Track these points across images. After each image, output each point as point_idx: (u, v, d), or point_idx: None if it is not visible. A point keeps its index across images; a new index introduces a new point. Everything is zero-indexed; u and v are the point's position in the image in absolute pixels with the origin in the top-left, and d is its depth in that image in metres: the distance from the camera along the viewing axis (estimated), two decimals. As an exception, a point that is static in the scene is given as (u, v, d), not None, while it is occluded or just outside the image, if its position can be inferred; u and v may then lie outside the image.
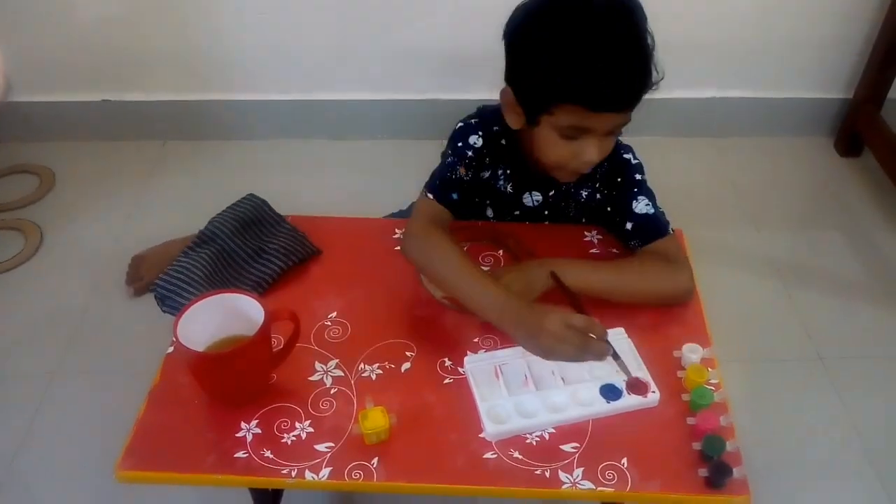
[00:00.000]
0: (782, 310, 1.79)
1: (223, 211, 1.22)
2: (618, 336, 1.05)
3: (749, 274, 1.89)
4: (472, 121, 1.21)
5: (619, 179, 1.20)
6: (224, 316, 0.97)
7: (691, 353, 1.03)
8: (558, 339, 0.94)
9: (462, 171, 1.17)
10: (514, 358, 1.03)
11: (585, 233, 1.25)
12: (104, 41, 2.10)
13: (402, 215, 1.45)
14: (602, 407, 0.97)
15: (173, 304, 1.09)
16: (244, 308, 0.97)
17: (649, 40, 1.03)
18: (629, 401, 0.98)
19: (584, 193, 1.24)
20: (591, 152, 1.08)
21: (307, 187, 1.98)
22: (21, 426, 1.51)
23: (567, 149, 1.09)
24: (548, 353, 0.96)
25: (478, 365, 1.03)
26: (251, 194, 1.25)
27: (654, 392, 0.99)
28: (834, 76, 2.19)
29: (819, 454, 1.49)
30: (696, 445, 0.93)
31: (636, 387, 0.99)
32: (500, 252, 1.21)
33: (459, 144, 1.19)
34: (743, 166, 2.23)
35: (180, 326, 0.92)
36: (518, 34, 1.07)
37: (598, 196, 1.23)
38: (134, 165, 2.19)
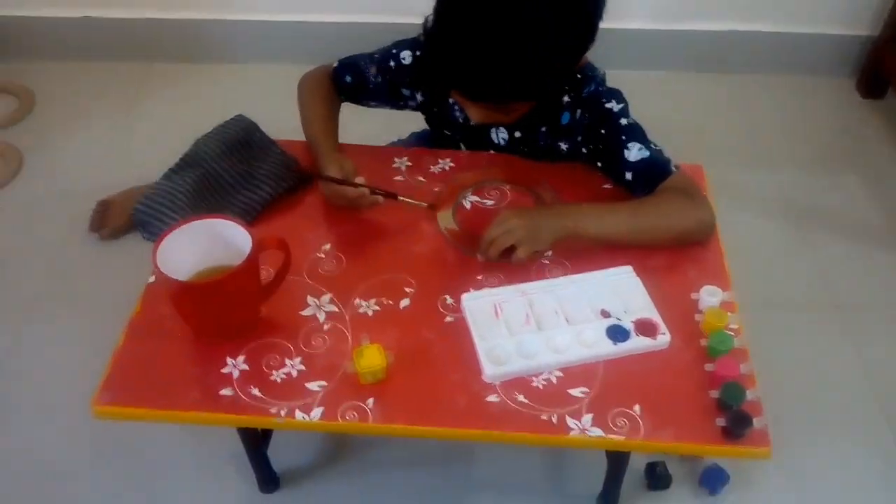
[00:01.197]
0: (798, 255, 1.72)
1: (210, 132, 1.14)
2: (625, 274, 0.99)
3: (764, 217, 1.81)
4: (420, 37, 1.13)
5: (602, 131, 1.09)
6: (209, 243, 0.90)
7: (710, 295, 0.96)
8: (332, 193, 1.05)
9: (374, 70, 1.18)
10: (515, 296, 0.96)
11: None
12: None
13: (402, 144, 1.37)
14: (608, 348, 0.91)
15: (154, 229, 1.02)
16: (230, 235, 0.89)
17: (572, 29, 0.95)
18: (637, 342, 0.92)
19: (564, 147, 1.15)
20: (472, 114, 1.09)
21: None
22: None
23: (459, 98, 1.08)
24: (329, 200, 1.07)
25: (476, 303, 0.96)
26: (240, 115, 1.17)
27: (663, 334, 0.92)
28: (858, 12, 2.05)
29: (831, 406, 1.44)
30: (714, 393, 0.87)
31: (645, 328, 0.93)
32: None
33: (392, 51, 1.17)
34: (760, 105, 2.12)
35: (160, 253, 0.85)
36: None
37: (583, 150, 1.13)
38: (118, 87, 2.07)
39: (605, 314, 0.95)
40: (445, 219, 1.07)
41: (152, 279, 0.98)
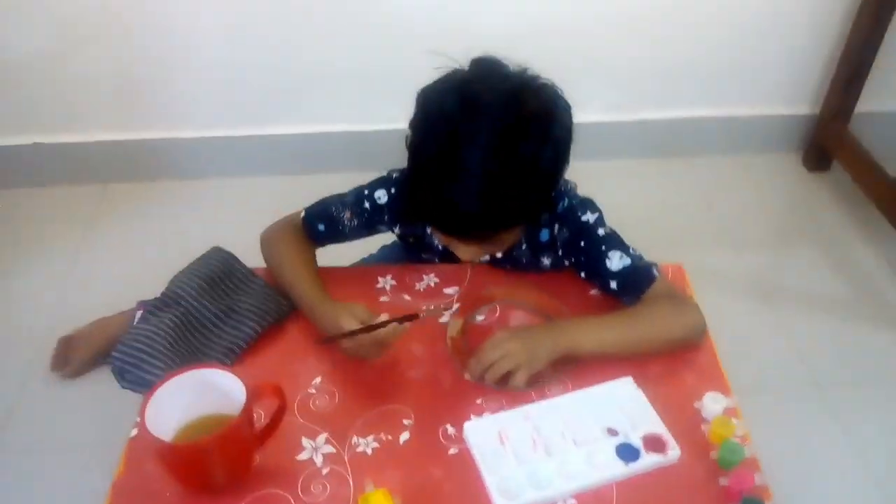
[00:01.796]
0: (773, 335, 1.75)
1: (186, 268, 1.10)
2: (626, 386, 0.97)
3: (733, 299, 1.84)
4: (394, 174, 1.14)
5: (582, 244, 1.09)
6: (196, 393, 0.85)
7: (714, 402, 0.95)
8: (355, 342, 0.97)
9: (348, 215, 1.14)
10: (519, 420, 0.93)
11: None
12: (33, 77, 1.93)
13: (373, 260, 1.35)
14: (620, 470, 0.89)
15: (134, 378, 0.96)
16: (220, 383, 0.85)
17: (543, 159, 0.94)
18: (648, 460, 0.90)
19: (547, 261, 1.15)
20: (461, 253, 1.06)
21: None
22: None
23: (446, 239, 1.05)
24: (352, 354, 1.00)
25: (480, 432, 0.92)
26: (216, 248, 1.13)
27: (673, 449, 0.90)
28: (800, 92, 2.17)
29: (827, 486, 1.43)
30: (733, 510, 0.85)
31: (653, 444, 0.91)
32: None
33: (365, 192, 1.14)
34: (716, 185, 2.19)
35: (148, 413, 0.80)
36: (412, 120, 0.99)
37: (565, 263, 1.13)
38: (73, 211, 2.01)
39: (612, 432, 0.92)
40: (454, 327, 1.05)
41: (134, 433, 0.92)
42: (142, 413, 0.79)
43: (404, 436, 0.93)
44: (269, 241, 1.14)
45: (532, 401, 0.96)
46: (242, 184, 2.09)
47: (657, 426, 0.93)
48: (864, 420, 1.55)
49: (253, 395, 0.83)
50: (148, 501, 0.86)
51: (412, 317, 1.00)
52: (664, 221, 2.03)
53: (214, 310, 1.05)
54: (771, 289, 1.87)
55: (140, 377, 0.95)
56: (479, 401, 0.97)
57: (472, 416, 0.95)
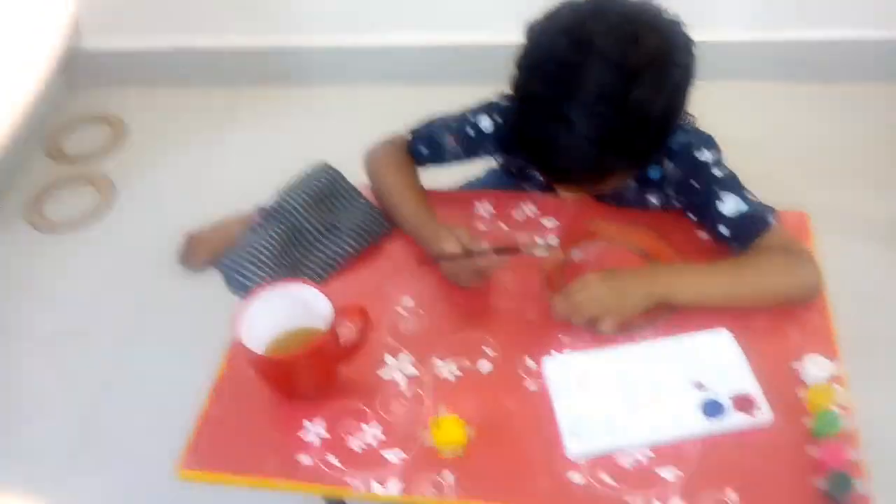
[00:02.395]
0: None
1: (295, 182, 1.13)
2: (722, 339, 0.92)
3: (863, 245, 1.68)
4: (501, 102, 1.09)
5: (695, 184, 1.02)
6: (290, 307, 0.90)
7: (816, 367, 0.89)
8: (455, 267, 0.97)
9: (451, 141, 1.11)
10: (602, 362, 0.92)
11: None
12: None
13: (479, 185, 1.33)
14: (703, 426, 0.86)
15: (238, 285, 1.03)
16: (310, 299, 0.89)
17: (656, 107, 0.88)
18: (735, 420, 0.86)
19: (655, 201, 1.09)
20: (563, 193, 1.06)
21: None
22: (92, 393, 1.51)
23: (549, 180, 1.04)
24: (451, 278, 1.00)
25: (559, 369, 0.92)
26: (325, 165, 1.15)
27: (764, 411, 0.86)
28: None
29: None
30: (818, 482, 0.80)
31: (743, 403, 0.87)
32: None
33: (470, 118, 1.11)
34: (862, 116, 1.98)
35: (242, 324, 0.85)
36: (518, 57, 0.93)
37: (675, 203, 1.06)
38: (208, 115, 2.13)
39: (700, 386, 0.89)
40: (551, 262, 1.03)
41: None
42: (235, 325, 0.85)
43: (484, 365, 0.94)
44: (373, 162, 1.15)
45: (619, 344, 0.94)
46: (369, 92, 2.12)
47: (750, 385, 0.88)
48: None
49: (339, 315, 0.86)
50: (242, 402, 0.92)
51: (513, 250, 0.99)
52: (794, 153, 1.87)
53: (318, 225, 1.09)
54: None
55: (244, 284, 1.01)
56: (563, 338, 0.96)
57: (553, 353, 0.94)
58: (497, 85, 1.10)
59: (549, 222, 1.11)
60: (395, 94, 2.08)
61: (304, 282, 0.90)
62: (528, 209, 1.13)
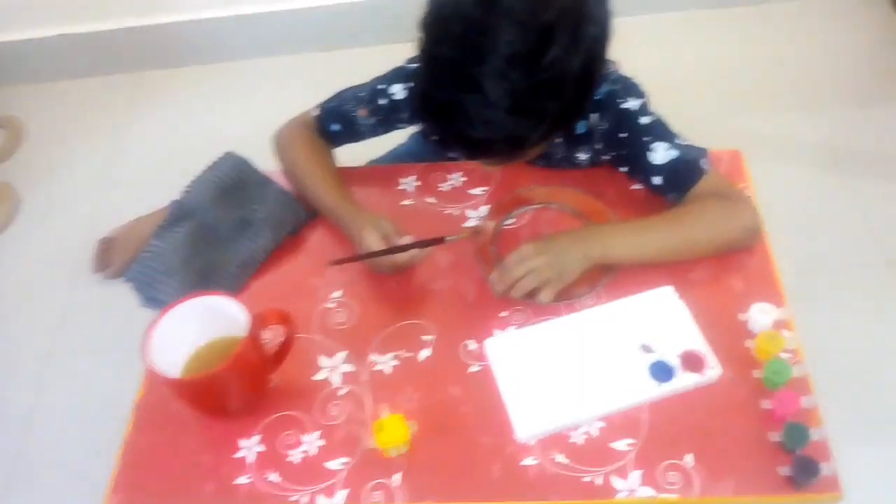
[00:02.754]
0: (844, 208, 1.60)
1: (199, 176, 1.05)
2: (666, 297, 0.89)
3: (802, 167, 1.68)
4: (413, 65, 1.00)
5: (623, 135, 0.97)
6: (205, 317, 0.83)
7: (762, 314, 0.86)
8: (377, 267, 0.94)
9: (363, 113, 1.04)
10: (544, 335, 0.88)
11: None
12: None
13: (402, 153, 1.26)
14: (653, 391, 0.82)
15: (150, 297, 0.95)
16: (226, 309, 0.82)
17: (572, 67, 0.81)
18: (684, 380, 0.83)
19: (584, 157, 1.04)
20: (486, 165, 1.02)
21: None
22: (15, 420, 1.43)
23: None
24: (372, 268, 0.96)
25: (501, 348, 0.87)
26: (229, 152, 1.07)
27: (712, 368, 0.83)
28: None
29: (893, 374, 1.34)
30: (774, 436, 0.78)
31: (691, 362, 0.84)
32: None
33: (379, 87, 1.03)
34: (789, 35, 1.96)
35: (152, 345, 0.78)
36: (423, 16, 0.85)
37: (604, 157, 1.02)
38: (109, 103, 1.98)
39: (647, 349, 0.86)
40: (483, 233, 0.98)
41: (155, 352, 0.91)
42: (145, 350, 0.77)
43: (424, 353, 0.89)
44: (282, 145, 1.07)
45: (561, 314, 0.90)
46: (276, 63, 2.00)
47: (697, 342, 0.85)
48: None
49: (258, 323, 0.80)
50: (168, 424, 0.86)
51: (437, 241, 0.94)
52: (725, 78, 1.85)
53: (229, 222, 1.01)
54: (846, 156, 1.69)
55: (155, 297, 0.94)
56: (503, 314, 0.91)
57: (495, 331, 0.90)
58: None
59: (477, 191, 1.05)
60: (308, 61, 1.97)
61: (216, 294, 0.82)
62: (455, 179, 1.07)
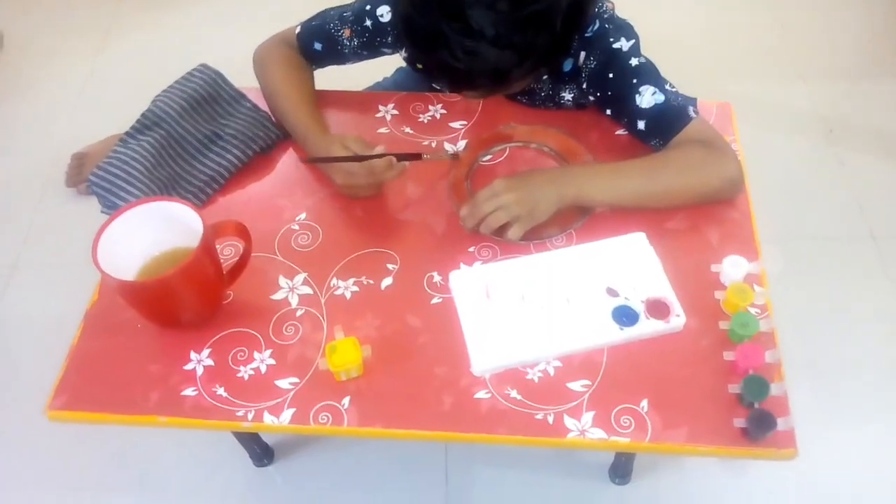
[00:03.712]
0: (831, 179, 1.58)
1: (169, 87, 1.01)
2: (637, 244, 0.87)
3: (793, 135, 1.65)
4: None
5: (610, 75, 0.93)
6: (164, 225, 0.80)
7: (734, 267, 0.84)
8: (348, 176, 0.91)
9: (347, 33, 0.99)
10: (510, 272, 0.85)
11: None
12: None
13: (387, 85, 1.23)
14: (614, 334, 0.81)
15: (111, 204, 0.92)
16: (184, 217, 0.79)
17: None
18: (647, 326, 0.81)
19: (569, 96, 1.00)
20: (469, 97, 0.99)
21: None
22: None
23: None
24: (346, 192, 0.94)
25: (465, 282, 0.85)
26: (203, 65, 1.03)
27: (678, 316, 0.81)
28: None
29: (865, 347, 1.33)
30: (734, 388, 0.77)
31: (656, 309, 0.82)
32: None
33: (367, 7, 0.99)
34: (793, 5, 1.91)
35: (101, 247, 0.75)
36: None
37: (590, 98, 0.98)
38: (90, 21, 1.92)
39: (612, 293, 0.84)
40: (458, 168, 0.95)
41: (111, 260, 0.89)
42: (94, 248, 0.74)
43: (386, 281, 0.87)
44: (261, 62, 1.02)
45: (530, 253, 0.88)
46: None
47: (664, 290, 0.83)
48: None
49: (213, 232, 0.77)
50: (119, 333, 0.84)
51: (413, 156, 0.91)
52: (718, 43, 1.81)
53: (198, 134, 0.97)
54: (837, 125, 1.66)
55: (115, 203, 0.91)
56: (471, 249, 0.89)
57: (461, 265, 0.87)
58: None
59: (457, 124, 1.02)
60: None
61: (172, 199, 0.79)
62: (434, 110, 1.03)
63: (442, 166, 0.95)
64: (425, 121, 1.02)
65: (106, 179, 0.92)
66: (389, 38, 0.99)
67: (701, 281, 0.85)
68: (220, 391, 0.79)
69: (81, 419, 0.80)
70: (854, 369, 1.30)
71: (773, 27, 1.88)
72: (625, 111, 0.94)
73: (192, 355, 0.82)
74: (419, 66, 0.97)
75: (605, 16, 0.95)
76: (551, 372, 0.79)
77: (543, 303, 0.83)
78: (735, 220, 0.91)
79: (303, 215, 0.93)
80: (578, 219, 0.89)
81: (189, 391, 0.79)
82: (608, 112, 0.97)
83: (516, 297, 0.83)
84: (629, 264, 0.85)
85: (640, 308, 0.82)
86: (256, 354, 0.82)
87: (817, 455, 1.16)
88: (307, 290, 0.86)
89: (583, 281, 0.84)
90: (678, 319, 0.81)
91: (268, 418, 0.77)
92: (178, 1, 1.96)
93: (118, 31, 1.91)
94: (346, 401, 0.78)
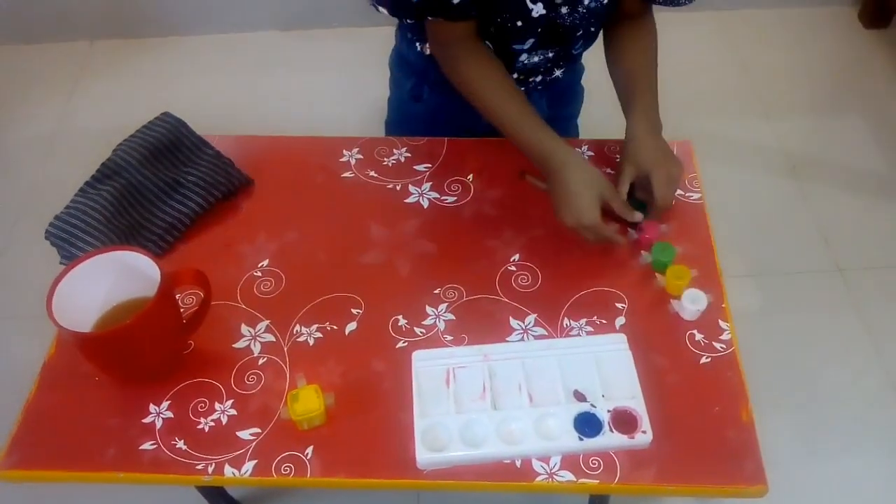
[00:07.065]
0: (797, 213, 1.60)
1: (131, 136, 1.00)
2: (615, 345, 0.82)
3: (759, 171, 1.68)
4: None
5: None
6: (121, 275, 0.79)
7: (692, 302, 0.84)
8: (576, 228, 0.88)
9: None
10: (475, 360, 0.81)
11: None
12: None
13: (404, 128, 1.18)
14: (572, 444, 0.75)
15: (69, 254, 0.90)
16: (140, 267, 0.77)
17: None
18: (610, 440, 0.75)
19: None
20: None
21: (255, 88, 1.70)
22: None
23: None
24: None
25: (428, 365, 0.81)
26: (165, 113, 1.03)
27: (644, 432, 0.75)
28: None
29: (836, 381, 1.34)
30: (646, 258, 0.89)
31: (622, 421, 0.76)
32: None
33: None
34: (752, 43, 1.97)
35: (57, 298, 0.73)
36: None
37: None
38: (58, 71, 1.92)
39: (580, 396, 0.79)
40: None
41: (69, 312, 0.87)
42: (48, 301, 0.73)
43: (350, 326, 0.86)
44: (465, 90, 0.95)
45: (501, 342, 0.84)
46: (229, 40, 1.94)
47: (635, 400, 0.78)
48: (885, 309, 1.43)
49: (171, 281, 0.76)
50: (75, 387, 0.81)
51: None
52: (686, 81, 1.85)
53: (159, 182, 0.96)
54: (801, 160, 1.70)
55: (73, 254, 0.89)
56: (436, 291, 0.88)
57: (427, 307, 0.87)
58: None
59: (422, 168, 1.02)
60: (263, 40, 1.91)
61: (130, 249, 0.78)
62: (399, 154, 1.04)
63: (406, 212, 0.96)
64: (389, 164, 1.02)
65: (64, 230, 0.90)
66: None
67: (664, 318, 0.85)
68: (180, 444, 0.77)
69: (34, 478, 0.77)
70: (825, 403, 1.30)
71: (735, 65, 1.92)
72: None
73: (152, 408, 0.80)
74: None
75: None
76: (518, 415, 0.78)
77: (504, 402, 0.79)
78: (698, 256, 0.91)
79: (265, 261, 0.92)
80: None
81: (148, 445, 0.77)
82: None
83: (477, 387, 0.79)
84: (603, 365, 0.81)
85: (605, 417, 0.77)
86: (217, 405, 0.80)
87: (788, 490, 1.15)
88: (270, 337, 0.85)
89: (550, 379, 0.80)
90: (644, 437, 0.75)
91: (228, 471, 0.75)
92: (146, 52, 1.96)
93: (84, 82, 1.91)
94: (309, 450, 0.76)
